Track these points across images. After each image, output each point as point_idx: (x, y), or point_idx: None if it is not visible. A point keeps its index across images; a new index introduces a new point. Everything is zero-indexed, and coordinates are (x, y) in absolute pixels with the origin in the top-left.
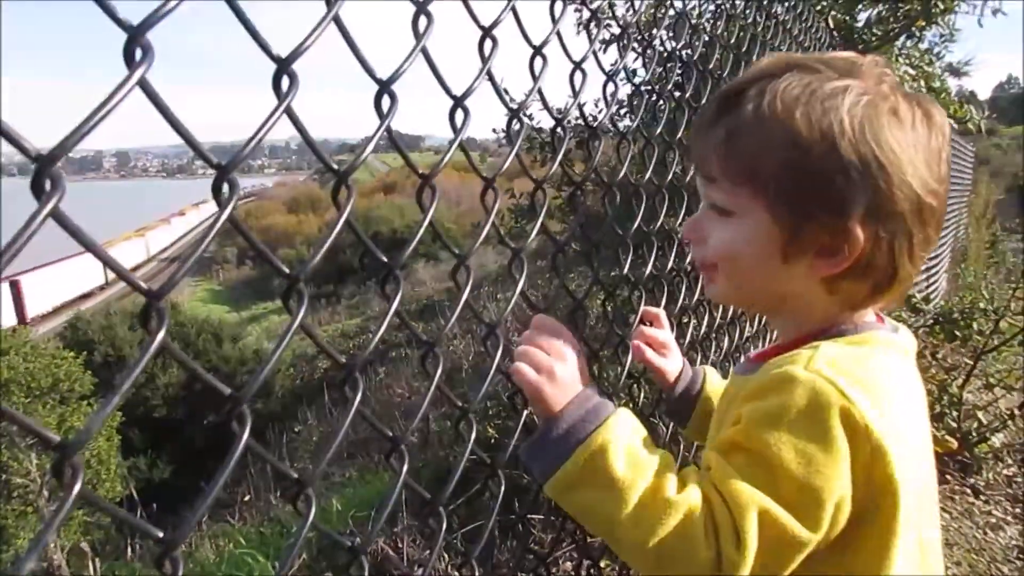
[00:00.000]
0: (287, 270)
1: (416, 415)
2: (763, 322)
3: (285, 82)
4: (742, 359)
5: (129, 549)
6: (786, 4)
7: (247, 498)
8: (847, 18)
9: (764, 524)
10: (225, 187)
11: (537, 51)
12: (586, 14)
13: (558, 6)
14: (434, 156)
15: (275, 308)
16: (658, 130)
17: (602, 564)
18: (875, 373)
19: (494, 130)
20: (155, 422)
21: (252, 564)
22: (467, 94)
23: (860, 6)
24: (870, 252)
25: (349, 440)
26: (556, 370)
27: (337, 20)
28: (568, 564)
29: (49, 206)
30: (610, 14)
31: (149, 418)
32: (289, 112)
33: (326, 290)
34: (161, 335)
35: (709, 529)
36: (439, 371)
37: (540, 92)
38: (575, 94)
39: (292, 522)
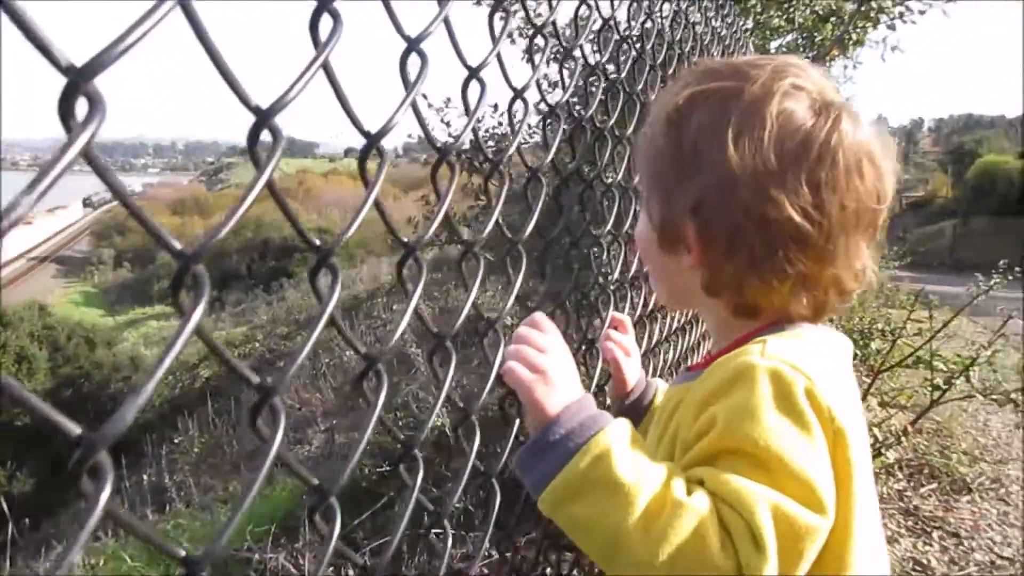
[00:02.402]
0: (317, 242)
1: (316, 423)
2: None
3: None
4: (676, 374)
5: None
6: (720, 22)
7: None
8: (762, 44)
9: (776, 519)
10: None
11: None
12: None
13: (498, 21)
14: (328, 164)
15: (154, 313)
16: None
17: None
18: (822, 362)
19: (409, 135)
20: (19, 430)
21: None
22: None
23: (773, 35)
24: (716, 253)
25: (234, 452)
26: (551, 371)
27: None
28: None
29: (88, 133)
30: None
31: (12, 426)
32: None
33: (210, 297)
34: (202, 306)
35: (724, 536)
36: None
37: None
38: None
39: (184, 535)
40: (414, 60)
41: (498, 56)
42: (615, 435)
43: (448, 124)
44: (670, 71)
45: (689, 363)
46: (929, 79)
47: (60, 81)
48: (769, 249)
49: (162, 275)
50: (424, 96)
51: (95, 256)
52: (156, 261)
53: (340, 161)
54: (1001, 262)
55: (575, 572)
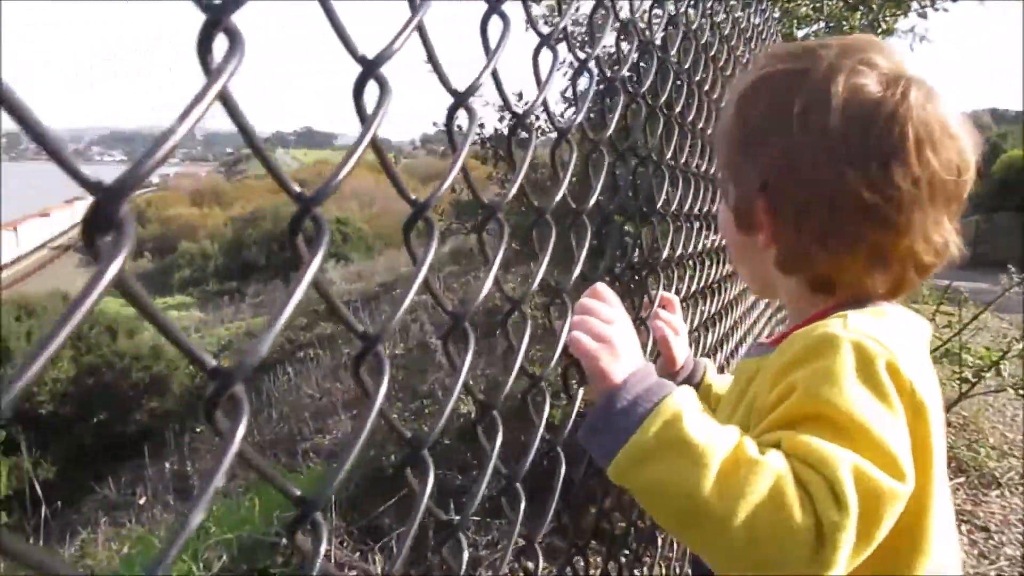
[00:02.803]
0: (413, 197)
1: (338, 412)
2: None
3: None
4: (749, 345)
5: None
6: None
7: (143, 500)
8: (789, 32)
9: (858, 480)
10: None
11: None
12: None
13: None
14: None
15: (174, 303)
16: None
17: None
18: (902, 339)
19: (434, 123)
20: (42, 419)
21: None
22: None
23: (800, 24)
24: (787, 232)
25: (255, 441)
26: (616, 340)
27: None
28: (505, 568)
29: (231, 67)
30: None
31: (36, 414)
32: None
33: (229, 287)
34: (322, 250)
35: (802, 494)
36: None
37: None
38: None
39: (209, 520)
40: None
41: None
42: (683, 399)
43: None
44: (697, 78)
45: (731, 344)
46: (955, 72)
47: (87, 93)
48: (837, 224)
49: (182, 265)
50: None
51: None
52: (176, 251)
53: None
54: None
55: (610, 565)
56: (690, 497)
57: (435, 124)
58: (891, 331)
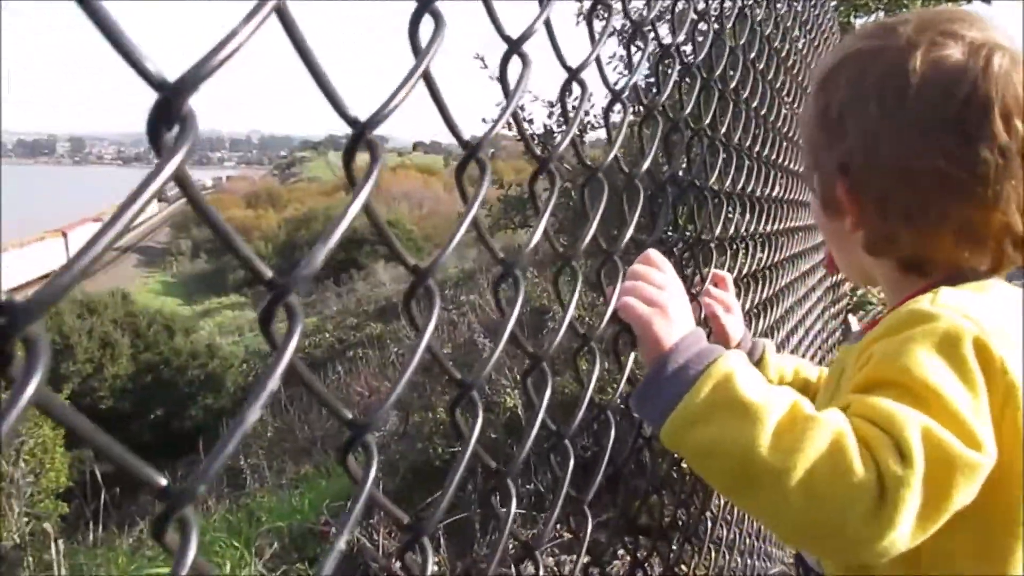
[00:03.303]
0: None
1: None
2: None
3: (427, 26)
4: (852, 335)
5: (90, 533)
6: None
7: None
8: (847, 20)
9: (926, 440)
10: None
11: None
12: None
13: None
14: (396, 158)
15: (229, 303)
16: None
17: (584, 560)
18: (997, 313)
19: (483, 120)
20: (101, 414)
21: (223, 550)
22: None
23: (858, 11)
24: (871, 213)
25: (305, 436)
26: (668, 306)
27: None
28: (551, 560)
29: (179, 156)
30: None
31: (95, 409)
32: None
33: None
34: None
35: (863, 449)
36: (432, 322)
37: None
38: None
39: (260, 509)
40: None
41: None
42: (735, 361)
43: (523, 108)
44: (751, 55)
45: (781, 334)
46: None
47: (151, 95)
48: (922, 202)
49: (236, 266)
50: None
51: (174, 247)
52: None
53: (409, 155)
54: None
55: (654, 558)
56: (744, 456)
57: (484, 120)
58: (986, 306)
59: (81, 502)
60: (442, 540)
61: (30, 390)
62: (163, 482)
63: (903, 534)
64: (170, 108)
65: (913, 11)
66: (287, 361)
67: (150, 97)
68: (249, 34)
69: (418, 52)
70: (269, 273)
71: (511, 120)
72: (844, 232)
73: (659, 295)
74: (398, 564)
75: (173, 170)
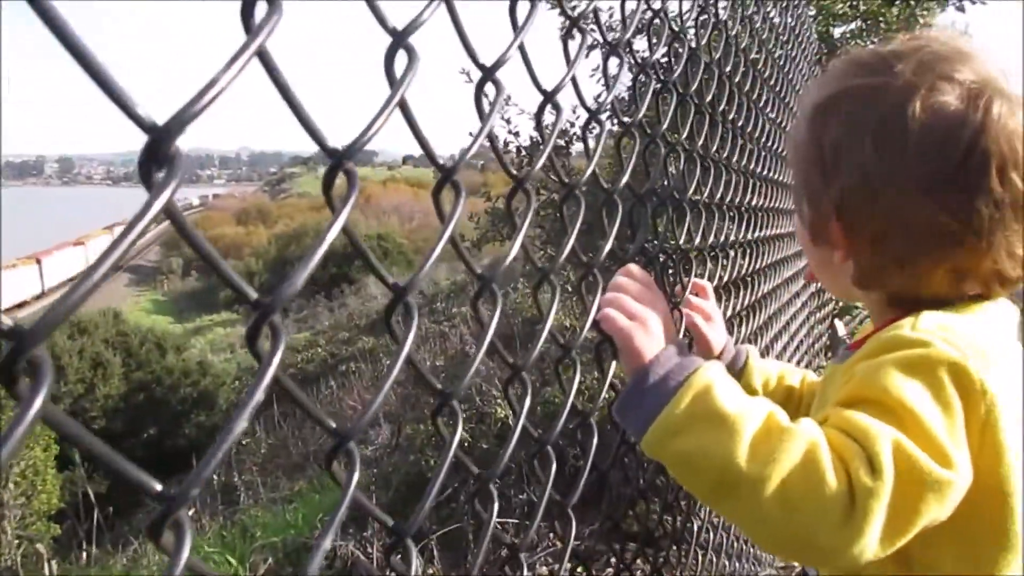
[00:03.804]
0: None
1: (379, 423)
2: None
3: (402, 58)
4: (840, 351)
5: (84, 555)
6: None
7: (192, 511)
8: (825, 30)
9: (897, 455)
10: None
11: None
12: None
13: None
14: (387, 171)
15: (220, 320)
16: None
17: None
18: (983, 337)
19: (470, 133)
20: (94, 434)
21: (217, 566)
22: (556, 90)
23: (836, 21)
24: (862, 245)
25: (299, 452)
26: (649, 319)
27: None
28: (544, 569)
29: (167, 192)
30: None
31: (87, 429)
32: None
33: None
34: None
35: (835, 460)
36: (411, 334)
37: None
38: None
39: (254, 525)
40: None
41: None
42: (714, 372)
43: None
44: (727, 68)
45: (764, 340)
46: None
47: (141, 136)
48: (915, 249)
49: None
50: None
51: (164, 265)
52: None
53: (399, 168)
54: None
55: (640, 563)
56: (723, 466)
57: (471, 134)
58: (969, 328)
59: (74, 523)
60: (435, 551)
61: (36, 405)
62: (158, 487)
63: (872, 543)
64: (159, 149)
65: (907, 43)
66: (271, 375)
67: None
68: (231, 79)
69: (393, 83)
70: (254, 294)
71: (488, 142)
72: (830, 259)
73: (640, 308)
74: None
75: (161, 206)
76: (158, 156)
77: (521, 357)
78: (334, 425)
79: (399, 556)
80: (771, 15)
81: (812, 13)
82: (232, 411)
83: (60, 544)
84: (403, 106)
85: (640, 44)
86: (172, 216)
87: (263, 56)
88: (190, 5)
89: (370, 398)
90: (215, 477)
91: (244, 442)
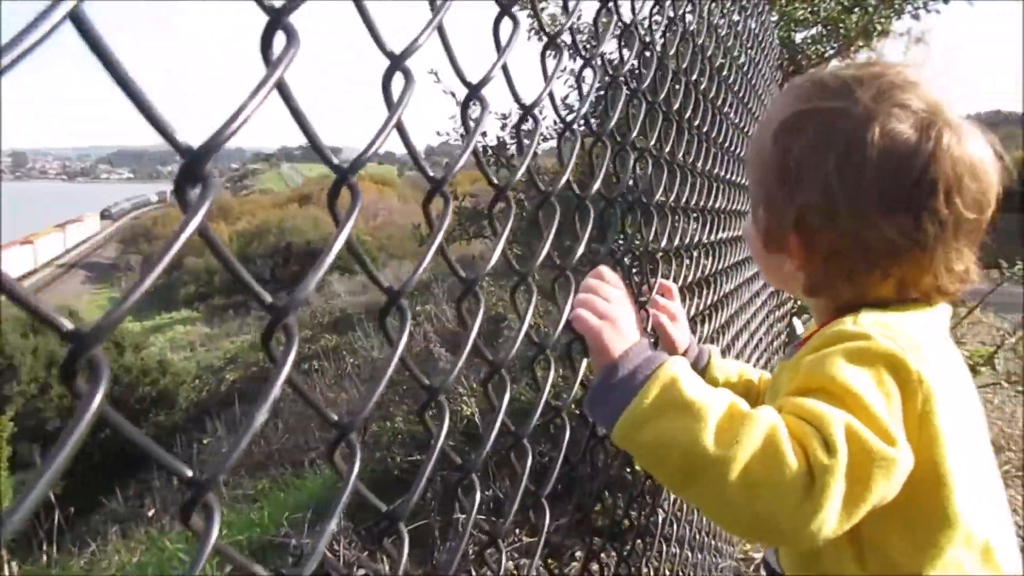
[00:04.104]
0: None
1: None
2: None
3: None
4: (788, 348)
5: (44, 556)
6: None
7: (151, 512)
8: (787, 35)
9: (849, 435)
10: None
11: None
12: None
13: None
14: None
15: (180, 318)
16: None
17: (550, 561)
18: (914, 329)
19: (437, 132)
20: (48, 435)
21: (180, 565)
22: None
23: (797, 27)
24: (817, 256)
25: (262, 452)
26: (618, 318)
27: None
28: (510, 564)
29: (202, 212)
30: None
31: (42, 431)
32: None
33: (235, 301)
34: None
35: (793, 443)
36: (404, 336)
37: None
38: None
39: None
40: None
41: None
42: (678, 366)
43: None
44: (693, 77)
45: (726, 338)
46: (953, 74)
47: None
48: (866, 262)
49: (187, 281)
50: (452, 94)
51: (122, 262)
52: (182, 267)
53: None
54: None
55: (608, 555)
56: (688, 451)
57: (439, 133)
58: (905, 324)
59: (34, 523)
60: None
61: (96, 401)
62: (189, 473)
63: (830, 520)
64: (194, 171)
65: (866, 70)
66: (287, 372)
67: (98, 112)
68: (255, 108)
69: (391, 105)
70: (269, 298)
71: (474, 156)
72: (781, 265)
73: (608, 308)
74: (360, 574)
75: (199, 222)
76: (193, 176)
77: (491, 353)
78: (335, 417)
79: (392, 540)
80: (736, 21)
81: (774, 19)
82: (197, 413)
83: (19, 545)
84: (400, 128)
85: (609, 46)
86: (204, 232)
87: (281, 88)
88: (191, 5)
89: (339, 398)
90: (174, 478)
91: (205, 441)
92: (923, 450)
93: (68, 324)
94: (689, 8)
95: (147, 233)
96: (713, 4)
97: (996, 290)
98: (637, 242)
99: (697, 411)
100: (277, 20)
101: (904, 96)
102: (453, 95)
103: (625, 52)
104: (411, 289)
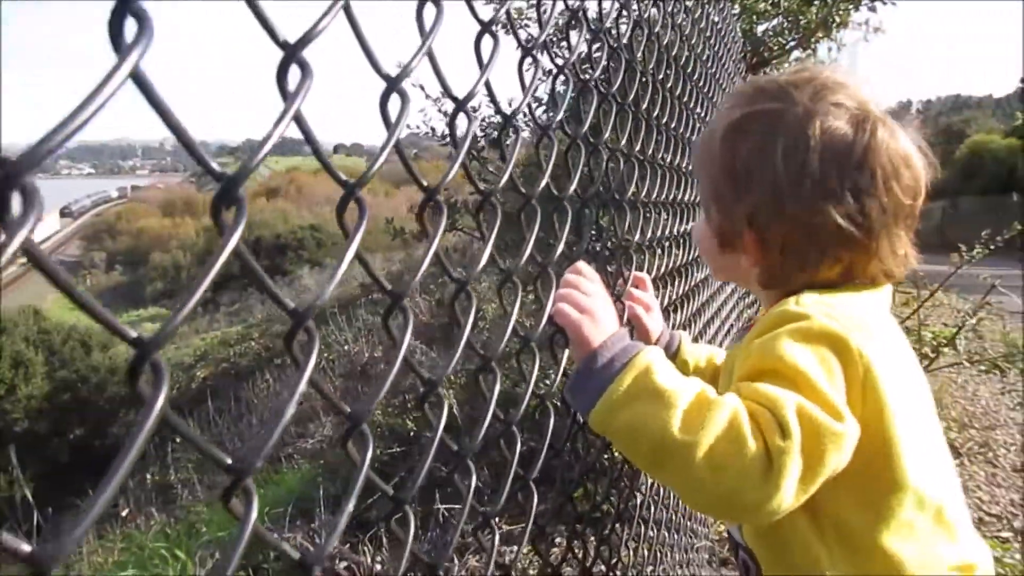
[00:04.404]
0: (389, 286)
1: (319, 417)
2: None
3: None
4: (735, 333)
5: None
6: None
7: (126, 512)
8: (749, 28)
9: (800, 415)
10: (295, 70)
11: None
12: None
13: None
14: (317, 162)
15: (148, 316)
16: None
17: (525, 550)
18: (852, 307)
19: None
20: (16, 436)
21: (161, 562)
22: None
23: (759, 19)
24: (768, 247)
25: (235, 448)
26: (596, 311)
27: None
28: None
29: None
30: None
31: (9, 432)
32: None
33: (203, 297)
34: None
35: (753, 426)
36: (408, 335)
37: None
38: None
39: (199, 522)
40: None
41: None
42: (653, 355)
43: (445, 114)
44: (660, 76)
45: (699, 325)
46: (916, 61)
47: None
48: (818, 251)
49: (154, 277)
50: (421, 87)
51: (87, 260)
52: (148, 263)
53: (331, 158)
54: (983, 233)
55: (588, 537)
56: (659, 435)
57: (409, 126)
58: (844, 303)
59: (13, 524)
60: (384, 539)
61: (159, 403)
62: (228, 460)
63: (788, 495)
64: (229, 193)
65: (801, 74)
66: (311, 369)
67: (55, 105)
68: (277, 136)
69: (389, 125)
70: (291, 304)
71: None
72: (736, 263)
73: (587, 302)
74: (342, 566)
75: (236, 241)
76: (228, 198)
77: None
78: (348, 409)
79: (397, 520)
80: (696, 16)
81: (736, 11)
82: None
83: None
84: (398, 148)
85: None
86: (241, 253)
87: (299, 120)
88: (194, 5)
89: (312, 392)
90: (148, 476)
91: (179, 439)
92: (870, 421)
93: (132, 332)
94: (654, 3)
95: (110, 229)
96: (676, 3)
97: (957, 272)
98: (613, 239)
99: (667, 398)
100: (292, 54)
101: (837, 96)
102: (422, 88)
103: (593, 56)
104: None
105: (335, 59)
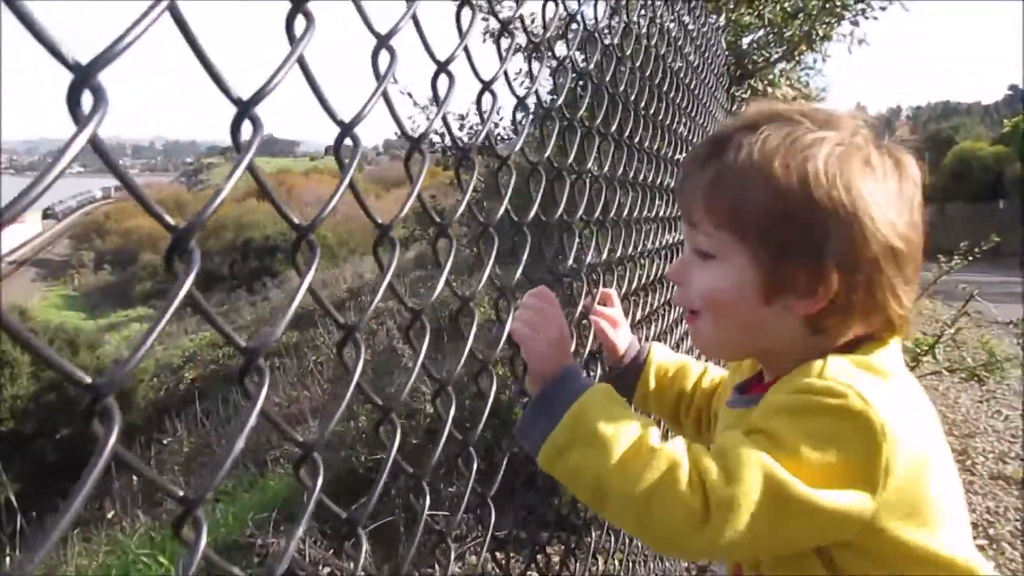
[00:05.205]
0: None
1: (306, 419)
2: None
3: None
4: (730, 393)
5: (7, 560)
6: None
7: (111, 514)
8: (734, 40)
9: (765, 474)
10: (247, 125)
11: (442, 67)
12: (494, 24)
13: (465, 15)
14: (309, 162)
15: (136, 316)
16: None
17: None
18: (880, 379)
19: (396, 133)
20: (2, 437)
21: (145, 568)
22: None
23: (744, 32)
24: (845, 293)
25: (222, 451)
26: (548, 333)
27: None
28: (473, 558)
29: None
30: (520, 26)
31: None
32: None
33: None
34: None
35: (694, 477)
36: (360, 364)
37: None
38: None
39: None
40: (384, 56)
41: (466, 49)
42: (595, 397)
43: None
44: (647, 73)
45: (675, 336)
46: (905, 69)
47: (66, 77)
48: (905, 283)
49: (143, 277)
50: (409, 95)
51: (75, 259)
52: (137, 263)
53: (321, 159)
54: (961, 244)
55: (554, 543)
56: (598, 481)
57: (396, 133)
58: (872, 375)
59: None
60: (367, 544)
61: (111, 443)
62: (180, 492)
63: (732, 542)
64: (182, 244)
65: (839, 115)
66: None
67: (44, 102)
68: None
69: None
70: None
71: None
72: (777, 314)
73: (541, 323)
74: (325, 572)
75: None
76: (180, 249)
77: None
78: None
79: (352, 543)
80: (674, 37)
81: (722, 24)
82: (157, 413)
83: None
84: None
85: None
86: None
87: (252, 171)
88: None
89: (300, 395)
90: (134, 478)
91: (165, 442)
92: (893, 498)
93: (86, 378)
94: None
95: (99, 228)
96: (650, 26)
97: (935, 283)
98: (583, 258)
99: (605, 444)
100: (244, 111)
101: (868, 145)
102: (410, 95)
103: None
104: (358, 278)
105: (334, 59)
